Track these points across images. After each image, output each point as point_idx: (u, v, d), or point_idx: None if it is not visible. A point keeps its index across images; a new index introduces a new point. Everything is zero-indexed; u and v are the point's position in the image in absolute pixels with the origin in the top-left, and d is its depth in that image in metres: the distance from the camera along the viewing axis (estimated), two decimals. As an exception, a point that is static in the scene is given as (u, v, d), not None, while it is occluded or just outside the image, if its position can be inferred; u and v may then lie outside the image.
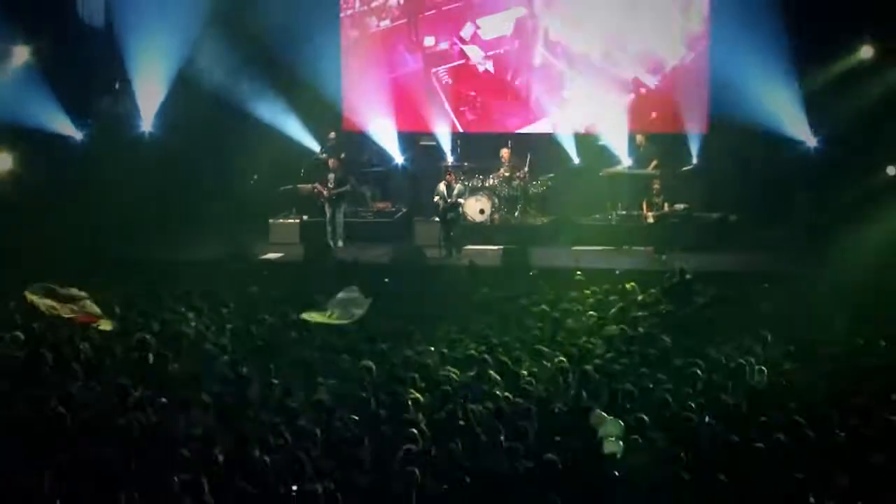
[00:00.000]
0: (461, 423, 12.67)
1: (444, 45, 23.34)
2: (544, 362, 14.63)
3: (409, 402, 13.13)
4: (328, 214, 21.63)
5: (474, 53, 23.25)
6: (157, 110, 22.62)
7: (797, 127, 21.31)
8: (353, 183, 22.28)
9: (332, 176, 21.60)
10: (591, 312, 16.54)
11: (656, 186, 21.55)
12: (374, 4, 23.37)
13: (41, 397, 13.09)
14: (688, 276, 18.03)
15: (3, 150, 21.56)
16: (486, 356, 14.52)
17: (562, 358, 14.49)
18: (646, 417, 12.29)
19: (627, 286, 17.45)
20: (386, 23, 23.34)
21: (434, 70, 23.20)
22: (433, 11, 23.21)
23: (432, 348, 15.22)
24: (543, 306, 16.67)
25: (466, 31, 23.19)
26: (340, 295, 16.20)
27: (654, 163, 21.95)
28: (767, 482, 11.32)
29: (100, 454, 11.73)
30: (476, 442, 12.25)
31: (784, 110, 21.27)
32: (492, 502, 11.07)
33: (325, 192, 21.55)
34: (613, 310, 16.64)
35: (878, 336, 15.30)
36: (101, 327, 16.00)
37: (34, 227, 20.47)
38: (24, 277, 17.92)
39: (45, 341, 15.23)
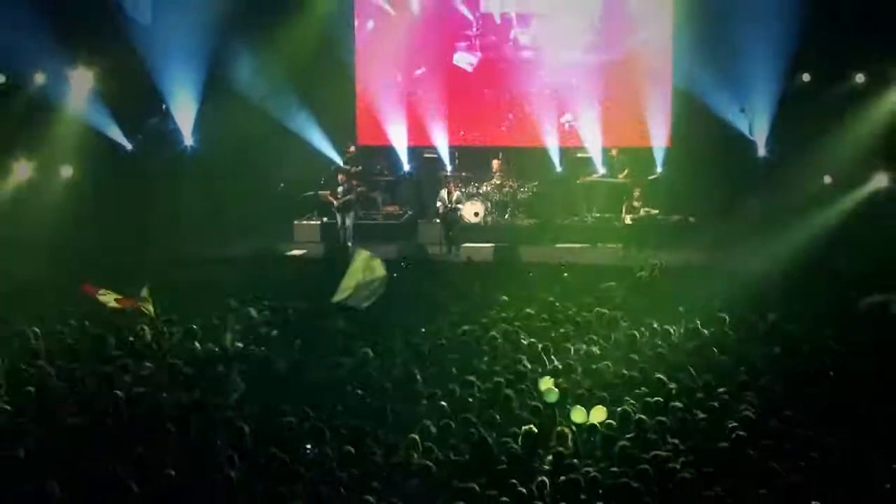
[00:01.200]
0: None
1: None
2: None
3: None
4: (339, 221, 21.69)
5: (467, 76, 23.39)
6: (192, 126, 22.67)
7: (747, 141, 21.42)
8: (359, 193, 22.25)
9: (340, 189, 21.67)
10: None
11: (637, 193, 21.56)
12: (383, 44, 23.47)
13: (107, 374, 13.32)
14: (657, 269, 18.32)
15: (67, 161, 21.79)
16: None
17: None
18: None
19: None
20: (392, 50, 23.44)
21: (433, 92, 23.22)
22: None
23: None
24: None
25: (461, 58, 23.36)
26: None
27: (625, 172, 22.05)
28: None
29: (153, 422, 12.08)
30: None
31: (736, 126, 21.42)
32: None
33: (334, 202, 21.67)
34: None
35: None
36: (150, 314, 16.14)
37: (91, 227, 20.67)
38: (84, 272, 18.18)
39: (108, 328, 15.43)
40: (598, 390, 12.71)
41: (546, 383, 12.39)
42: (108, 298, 15.92)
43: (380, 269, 16.30)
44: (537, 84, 22.98)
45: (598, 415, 11.81)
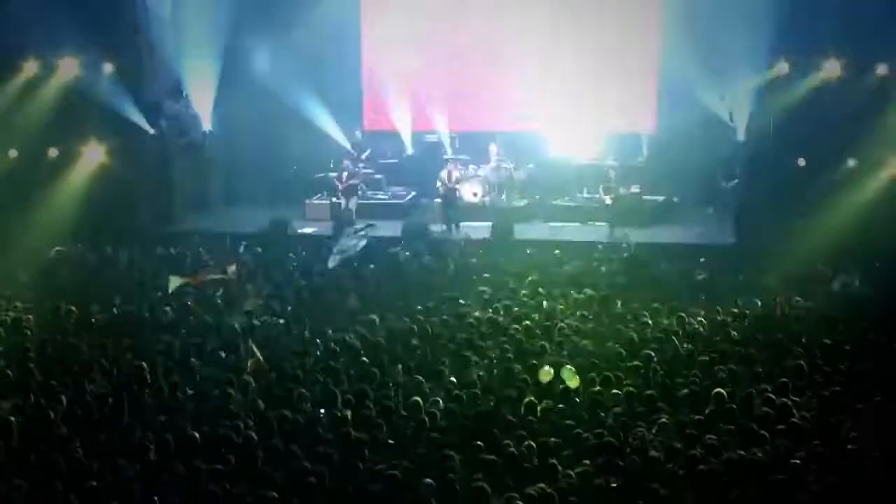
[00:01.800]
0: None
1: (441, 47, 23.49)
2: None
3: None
4: (343, 203, 21.70)
5: (467, 65, 23.42)
6: (210, 111, 22.67)
7: (727, 127, 21.41)
8: (365, 175, 22.34)
9: (345, 174, 21.71)
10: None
11: (611, 175, 21.66)
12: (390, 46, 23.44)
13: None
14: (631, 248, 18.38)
15: (93, 144, 21.86)
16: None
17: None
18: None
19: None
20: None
21: (433, 82, 23.25)
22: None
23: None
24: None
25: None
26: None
27: (612, 156, 22.11)
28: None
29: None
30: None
31: (717, 113, 21.42)
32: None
33: (340, 186, 21.69)
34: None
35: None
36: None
37: (116, 205, 20.76)
38: (117, 240, 18.28)
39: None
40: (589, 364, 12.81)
41: (546, 374, 12.35)
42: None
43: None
44: (532, 73, 22.90)
45: (572, 379, 11.94)
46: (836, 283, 16.81)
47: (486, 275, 17.50)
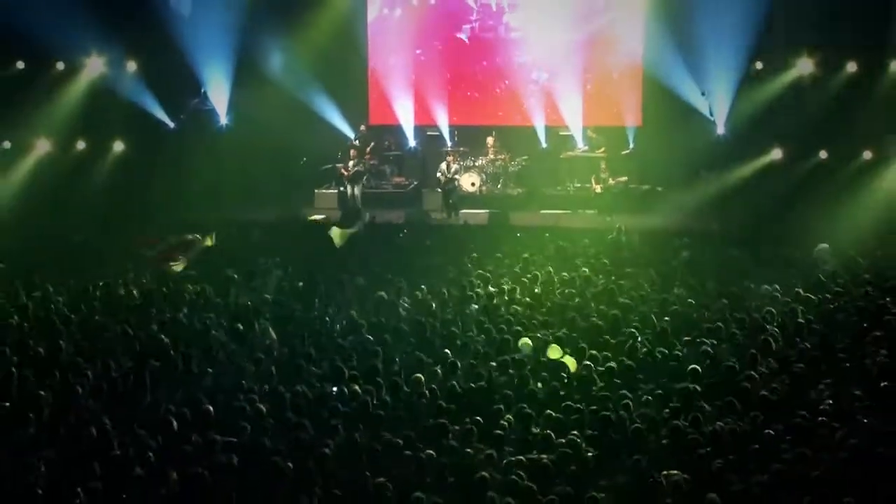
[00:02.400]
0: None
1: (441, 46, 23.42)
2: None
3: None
4: (349, 190, 21.65)
5: (467, 62, 23.35)
6: (227, 106, 22.61)
7: (707, 121, 21.41)
8: (370, 166, 22.30)
9: (351, 163, 21.66)
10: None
11: (603, 166, 21.65)
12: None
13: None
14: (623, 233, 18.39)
15: (118, 137, 21.86)
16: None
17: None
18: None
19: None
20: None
21: (433, 78, 23.20)
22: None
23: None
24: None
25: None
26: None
27: (602, 149, 22.06)
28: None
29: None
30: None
31: (698, 108, 21.40)
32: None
33: (345, 173, 21.65)
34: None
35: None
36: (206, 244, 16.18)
37: (138, 194, 20.76)
38: (134, 232, 18.28)
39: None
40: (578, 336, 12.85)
41: (555, 351, 12.38)
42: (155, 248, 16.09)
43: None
44: (526, 70, 22.88)
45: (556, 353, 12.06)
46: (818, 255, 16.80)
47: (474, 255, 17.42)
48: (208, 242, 16.35)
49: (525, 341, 12.45)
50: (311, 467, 9.29)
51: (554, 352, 12.22)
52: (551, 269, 16.13)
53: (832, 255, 16.55)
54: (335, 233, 15.61)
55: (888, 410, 10.35)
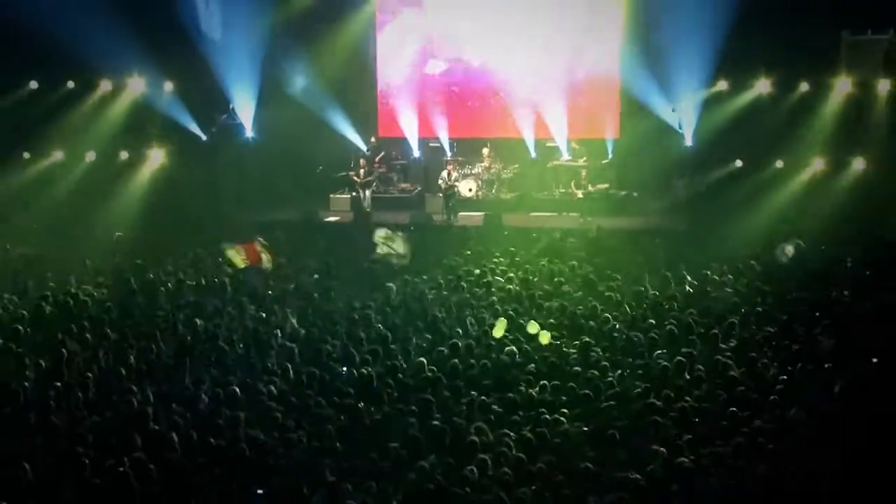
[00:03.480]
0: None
1: (442, 68, 23.39)
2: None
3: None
4: (360, 195, 21.54)
5: (464, 82, 23.33)
6: (252, 121, 22.54)
7: (677, 134, 21.38)
8: (379, 174, 22.24)
9: (362, 171, 21.61)
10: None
11: (583, 173, 21.62)
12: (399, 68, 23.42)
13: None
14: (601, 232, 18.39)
15: (157, 148, 21.88)
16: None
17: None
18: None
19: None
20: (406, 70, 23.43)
21: (435, 96, 23.22)
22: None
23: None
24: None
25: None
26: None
27: (584, 158, 22.06)
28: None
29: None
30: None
31: (669, 123, 21.39)
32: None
33: (357, 180, 21.62)
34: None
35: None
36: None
37: (175, 199, 20.78)
38: (172, 231, 18.29)
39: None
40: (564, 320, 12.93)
41: (534, 326, 12.41)
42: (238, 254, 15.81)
43: (400, 247, 16.57)
44: (516, 89, 22.83)
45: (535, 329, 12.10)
46: (782, 252, 16.80)
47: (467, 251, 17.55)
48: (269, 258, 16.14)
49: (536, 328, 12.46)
50: (324, 438, 9.33)
51: (532, 327, 12.26)
52: (540, 264, 16.18)
53: (790, 252, 16.57)
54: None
55: (830, 386, 10.41)
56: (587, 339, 12.15)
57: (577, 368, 11.21)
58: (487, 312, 13.32)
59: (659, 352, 11.62)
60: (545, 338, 12.01)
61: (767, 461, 8.78)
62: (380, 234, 16.95)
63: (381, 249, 16.75)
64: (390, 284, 14.87)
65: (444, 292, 14.58)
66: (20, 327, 12.55)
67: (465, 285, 14.84)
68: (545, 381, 10.74)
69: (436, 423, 9.58)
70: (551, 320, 13.01)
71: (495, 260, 16.57)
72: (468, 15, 22.97)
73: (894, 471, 8.59)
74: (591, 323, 12.86)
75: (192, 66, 21.60)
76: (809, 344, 11.85)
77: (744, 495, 8.36)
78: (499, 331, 12.27)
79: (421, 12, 23.22)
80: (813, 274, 15.31)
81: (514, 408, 10.16)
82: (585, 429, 9.62)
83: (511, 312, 13.18)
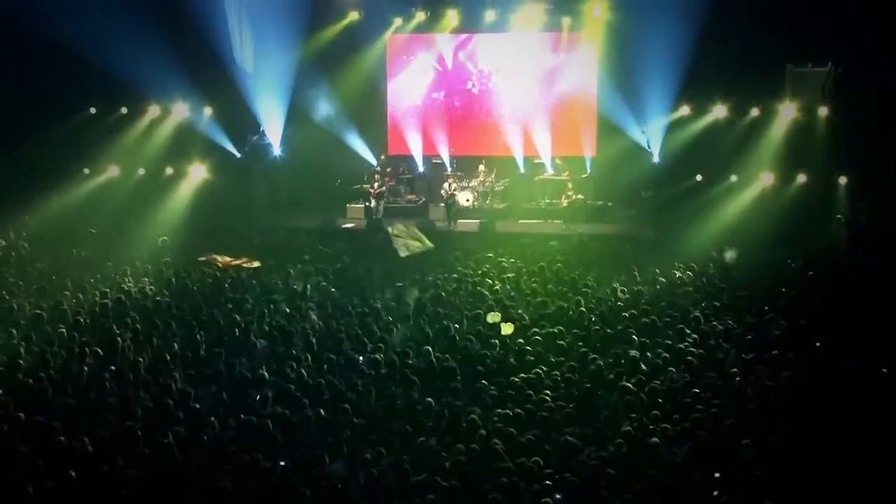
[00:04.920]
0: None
1: (441, 97, 23.34)
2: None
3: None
4: (373, 205, 21.53)
5: (463, 108, 23.26)
6: (280, 140, 22.44)
7: (646, 152, 21.32)
8: (389, 187, 22.17)
9: (375, 184, 21.59)
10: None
11: (570, 186, 21.61)
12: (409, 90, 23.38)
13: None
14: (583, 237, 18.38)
15: (200, 165, 21.92)
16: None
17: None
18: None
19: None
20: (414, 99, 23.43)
21: (437, 119, 23.12)
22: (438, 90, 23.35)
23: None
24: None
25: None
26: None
27: (566, 173, 21.98)
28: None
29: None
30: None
31: (639, 142, 21.34)
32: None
33: (371, 192, 21.58)
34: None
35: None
36: (254, 265, 16.17)
37: (215, 208, 20.76)
38: (211, 237, 18.28)
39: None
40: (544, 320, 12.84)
41: (494, 317, 12.39)
42: (222, 260, 16.06)
43: (426, 242, 16.84)
44: (508, 113, 22.80)
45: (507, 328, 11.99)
46: (725, 257, 16.80)
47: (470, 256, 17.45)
48: (255, 265, 16.22)
49: (499, 320, 12.39)
50: (338, 415, 9.32)
51: (493, 317, 12.22)
52: (527, 265, 16.16)
53: (732, 256, 16.60)
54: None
55: (778, 370, 10.40)
56: (568, 329, 12.13)
57: (561, 357, 11.18)
58: (483, 306, 13.29)
59: (631, 340, 11.59)
60: (508, 328, 11.93)
61: (725, 434, 8.79)
62: (396, 230, 16.93)
63: (404, 247, 16.76)
64: (399, 283, 14.86)
65: (445, 289, 14.57)
66: (81, 319, 12.59)
67: (462, 283, 14.81)
68: (533, 368, 10.73)
69: (437, 404, 9.59)
70: (539, 313, 13.01)
71: (491, 259, 16.56)
72: (468, 50, 22.96)
73: (834, 438, 8.60)
74: (572, 314, 12.85)
75: (228, 93, 21.62)
76: (761, 333, 11.85)
77: (704, 463, 8.36)
78: (493, 318, 12.29)
79: (426, 50, 23.17)
80: (763, 273, 15.29)
81: (505, 389, 10.15)
82: (565, 406, 9.64)
83: (501, 306, 13.19)
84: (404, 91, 23.38)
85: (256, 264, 16.16)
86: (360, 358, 11.25)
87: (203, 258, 16.34)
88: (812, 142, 19.67)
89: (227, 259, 16.24)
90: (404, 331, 12.39)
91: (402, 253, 16.75)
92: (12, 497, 7.64)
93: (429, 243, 17.04)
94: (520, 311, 13.06)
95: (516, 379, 10.38)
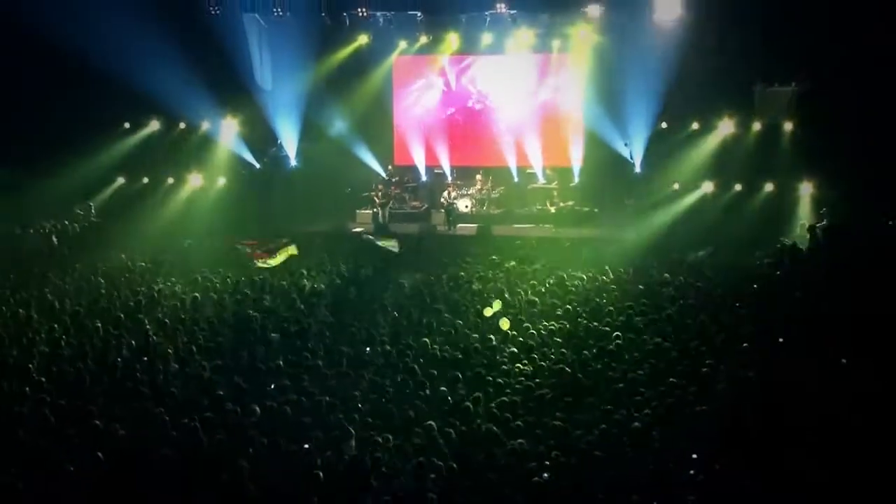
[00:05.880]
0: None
1: (448, 114, 23.34)
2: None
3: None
4: (379, 211, 21.49)
5: (462, 123, 23.27)
6: (296, 152, 22.51)
7: (629, 163, 21.33)
8: (395, 194, 22.15)
9: (380, 193, 21.61)
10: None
11: (555, 194, 21.61)
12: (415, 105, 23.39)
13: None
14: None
15: (222, 174, 21.93)
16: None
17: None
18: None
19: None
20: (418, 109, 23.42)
21: (438, 134, 23.11)
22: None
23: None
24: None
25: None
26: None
27: (556, 182, 22.05)
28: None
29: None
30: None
31: (622, 154, 21.32)
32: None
33: (376, 201, 21.58)
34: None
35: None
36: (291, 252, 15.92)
37: (235, 214, 20.76)
38: (231, 240, 18.32)
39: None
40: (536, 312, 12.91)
41: (489, 311, 12.37)
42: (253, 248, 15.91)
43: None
44: (503, 128, 22.79)
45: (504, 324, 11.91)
46: (699, 256, 16.82)
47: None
48: (293, 251, 16.14)
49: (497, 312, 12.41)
50: (351, 401, 9.34)
51: (490, 312, 12.20)
52: (520, 265, 16.16)
53: (710, 255, 16.61)
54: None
55: (747, 361, 10.43)
56: (558, 324, 12.14)
57: (551, 348, 11.19)
58: (480, 302, 13.29)
59: (615, 335, 11.59)
60: (504, 323, 11.89)
61: (697, 418, 8.80)
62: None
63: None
64: (402, 281, 14.86)
65: (446, 286, 14.59)
66: (120, 315, 12.62)
67: (461, 281, 14.82)
68: (527, 358, 10.75)
69: (438, 391, 9.59)
70: (532, 309, 13.01)
71: (487, 260, 16.59)
72: (468, 72, 22.99)
73: (793, 421, 8.60)
74: (559, 311, 12.85)
75: (249, 110, 21.77)
76: (731, 329, 11.84)
77: (678, 444, 8.38)
78: (489, 312, 12.29)
79: (429, 70, 23.17)
80: (733, 273, 15.29)
81: (500, 378, 10.16)
82: (554, 393, 9.64)
83: (497, 301, 13.19)
84: (409, 107, 23.38)
85: (293, 250, 15.97)
86: (367, 349, 11.24)
87: (245, 245, 16.13)
88: (778, 153, 19.75)
89: (268, 246, 16.02)
90: (407, 324, 12.36)
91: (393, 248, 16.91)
92: (54, 474, 7.66)
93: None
94: (514, 307, 13.06)
95: (511, 368, 10.37)
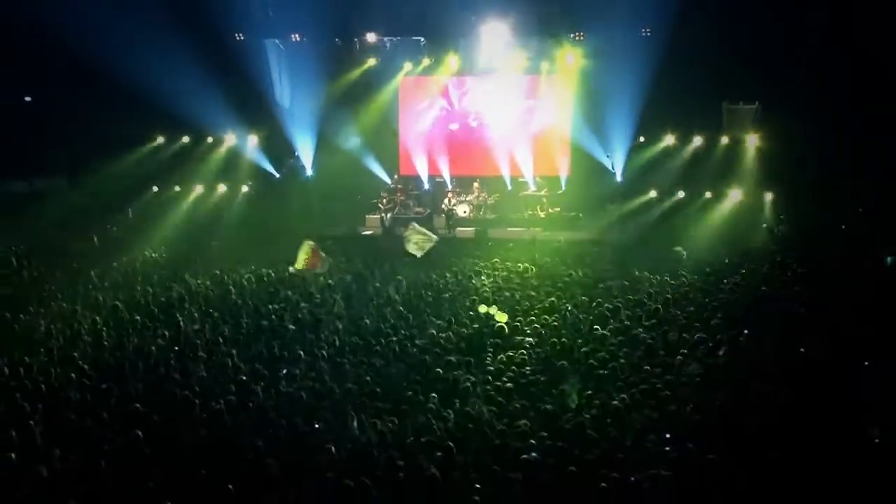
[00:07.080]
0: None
1: (450, 129, 23.31)
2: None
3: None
4: (386, 216, 21.49)
5: (461, 137, 23.22)
6: (311, 163, 22.43)
7: (611, 173, 21.31)
8: (400, 201, 22.09)
9: (385, 200, 21.61)
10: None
11: (545, 200, 21.60)
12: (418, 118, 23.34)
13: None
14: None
15: (245, 183, 21.91)
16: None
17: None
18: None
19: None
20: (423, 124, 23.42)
21: (440, 146, 23.06)
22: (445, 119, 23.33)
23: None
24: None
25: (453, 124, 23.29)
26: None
27: (545, 189, 22.00)
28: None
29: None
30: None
31: (605, 164, 21.32)
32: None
33: (382, 206, 21.56)
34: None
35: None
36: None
37: (257, 220, 20.73)
38: (253, 244, 18.27)
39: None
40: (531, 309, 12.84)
41: (484, 308, 12.36)
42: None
43: (431, 235, 16.57)
44: (497, 141, 22.71)
45: (502, 317, 11.88)
46: (674, 254, 16.79)
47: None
48: (311, 245, 15.76)
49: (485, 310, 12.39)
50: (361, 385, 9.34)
51: (487, 308, 12.17)
52: (514, 264, 16.14)
53: (685, 255, 16.58)
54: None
55: (715, 351, 10.43)
56: (547, 317, 12.13)
57: (542, 339, 11.18)
58: (477, 298, 13.29)
59: (597, 326, 11.60)
60: (501, 316, 11.85)
61: (672, 401, 8.81)
62: (410, 234, 16.74)
63: (415, 246, 16.55)
64: (400, 278, 14.82)
65: (447, 284, 14.59)
66: (154, 309, 12.61)
67: (460, 279, 14.81)
68: (520, 348, 10.74)
69: (439, 377, 9.59)
70: (524, 304, 12.99)
71: (484, 260, 16.59)
72: (467, 91, 22.93)
73: (761, 406, 8.62)
74: (547, 304, 12.84)
75: (269, 125, 21.69)
76: (704, 321, 11.84)
77: (656, 425, 8.38)
78: (484, 309, 12.27)
79: (432, 89, 23.10)
80: (704, 271, 15.29)
81: (496, 366, 10.16)
82: (546, 380, 9.65)
83: (495, 297, 13.20)
84: (413, 123, 23.33)
85: (309, 246, 15.62)
86: (374, 340, 11.22)
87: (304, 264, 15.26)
88: (743, 164, 19.82)
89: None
90: (412, 318, 12.36)
91: (418, 254, 16.56)
92: (95, 452, 7.68)
93: (433, 235, 16.86)
94: (508, 302, 13.05)
95: (506, 357, 10.38)
